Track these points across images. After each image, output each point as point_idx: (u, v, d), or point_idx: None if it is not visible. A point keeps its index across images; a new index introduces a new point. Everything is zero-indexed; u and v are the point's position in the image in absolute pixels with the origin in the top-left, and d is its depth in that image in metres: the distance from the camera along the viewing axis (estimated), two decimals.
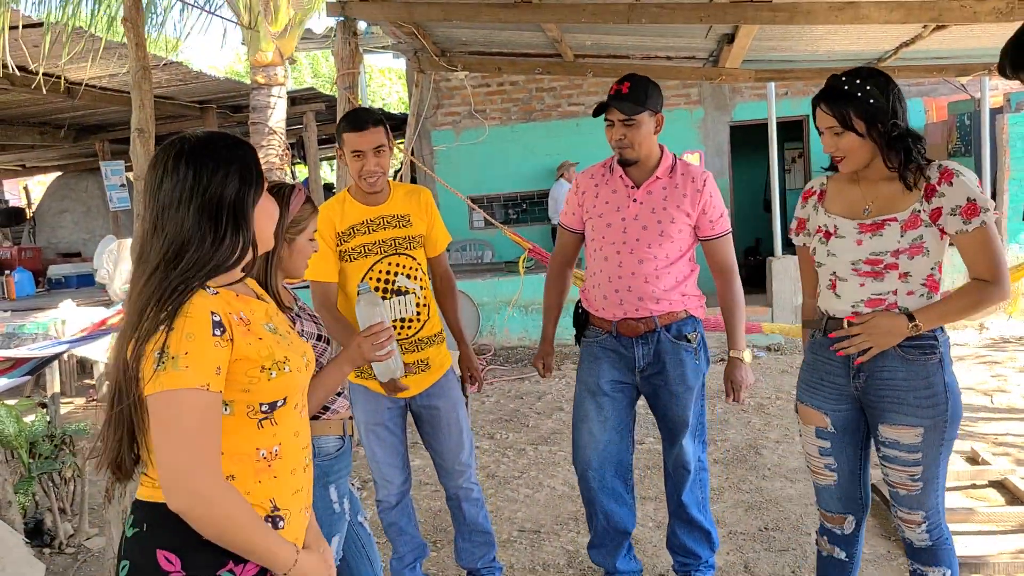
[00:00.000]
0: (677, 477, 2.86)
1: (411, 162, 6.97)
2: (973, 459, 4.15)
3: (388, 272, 2.76)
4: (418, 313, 2.80)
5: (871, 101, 2.09)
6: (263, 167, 5.16)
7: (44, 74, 5.10)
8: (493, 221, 6.95)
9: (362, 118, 2.73)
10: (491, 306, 7.91)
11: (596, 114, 2.73)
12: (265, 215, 1.50)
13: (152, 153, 3.22)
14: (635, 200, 2.74)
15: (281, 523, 1.46)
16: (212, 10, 6.63)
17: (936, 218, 2.10)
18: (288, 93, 7.55)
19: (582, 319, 2.90)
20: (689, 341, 2.76)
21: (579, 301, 2.94)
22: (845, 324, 2.20)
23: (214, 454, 1.33)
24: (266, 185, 1.52)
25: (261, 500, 1.43)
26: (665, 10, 4.35)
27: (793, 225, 2.40)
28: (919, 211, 2.11)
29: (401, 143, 7.33)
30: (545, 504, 4.04)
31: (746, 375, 2.77)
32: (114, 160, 8.97)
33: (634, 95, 2.65)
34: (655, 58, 6.34)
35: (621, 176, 2.77)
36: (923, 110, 9.64)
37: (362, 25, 7.56)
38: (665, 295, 2.73)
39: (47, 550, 3.81)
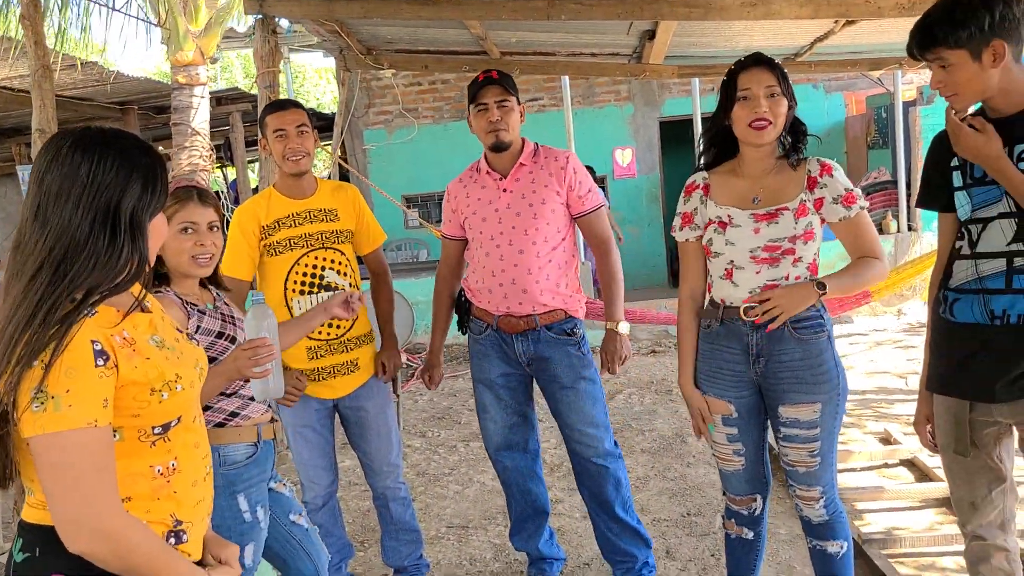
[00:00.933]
0: (592, 474, 2.87)
1: (340, 164, 6.93)
2: (886, 439, 4.31)
3: (315, 267, 2.73)
4: None
5: (787, 76, 2.22)
6: (186, 168, 5.04)
7: None
8: (424, 223, 6.95)
9: (282, 102, 2.82)
10: (426, 305, 7.77)
11: (471, 100, 2.76)
12: (158, 233, 1.40)
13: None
14: (504, 190, 2.79)
15: (184, 536, 1.41)
16: (122, 9, 6.46)
17: (819, 207, 2.23)
18: (213, 93, 7.42)
19: (464, 307, 2.94)
20: (570, 335, 2.80)
21: (462, 290, 2.98)
22: (741, 312, 2.27)
23: (110, 490, 1.25)
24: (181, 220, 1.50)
25: (162, 517, 1.38)
26: (584, 6, 4.40)
27: (676, 222, 2.42)
28: (805, 200, 2.23)
29: (329, 144, 7.26)
30: (474, 500, 4.06)
31: (621, 346, 2.81)
32: (31, 164, 8.63)
33: (504, 80, 2.74)
34: (581, 55, 6.41)
35: (488, 172, 2.82)
36: (843, 104, 9.92)
37: (285, 23, 7.49)
38: (547, 290, 2.75)
39: None
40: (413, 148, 9.68)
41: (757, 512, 2.48)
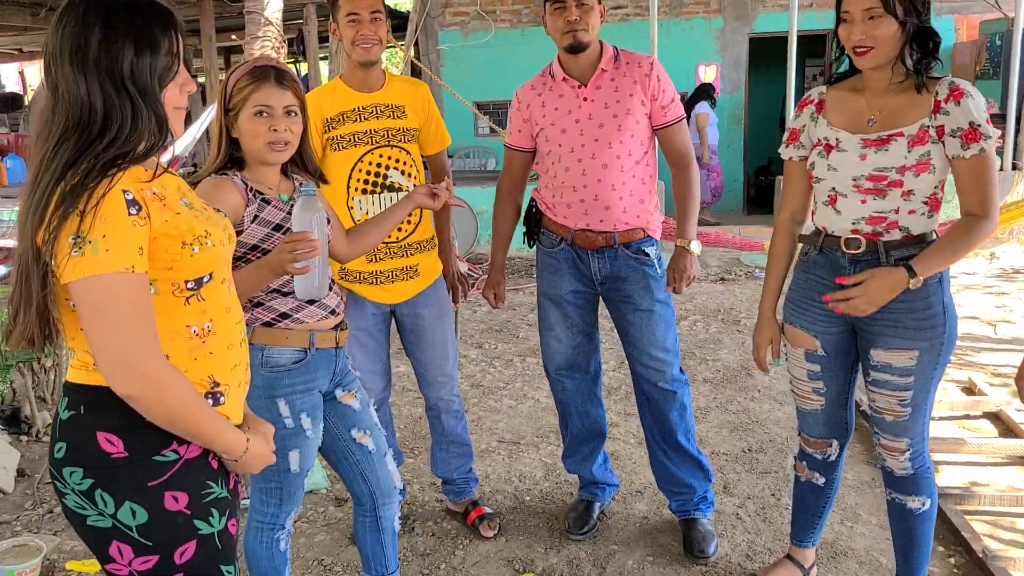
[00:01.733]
0: (657, 400, 2.73)
1: (412, 63, 6.71)
2: (969, 389, 4.06)
3: (379, 165, 2.59)
4: (410, 214, 2.65)
5: None
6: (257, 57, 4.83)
7: None
8: (497, 129, 6.72)
9: None
10: (491, 215, 7.74)
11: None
12: (172, 99, 1.38)
13: None
14: (585, 99, 2.58)
15: (222, 399, 1.44)
16: None
17: (941, 135, 1.95)
18: None
19: (536, 219, 2.77)
20: (647, 255, 2.64)
21: (533, 201, 2.79)
22: (842, 243, 2.07)
23: (151, 336, 1.28)
24: (179, 63, 1.37)
25: (200, 377, 1.40)
26: None
27: (785, 136, 2.23)
28: (927, 126, 1.96)
29: (403, 43, 7.03)
30: (527, 416, 3.99)
31: (690, 265, 2.63)
32: None
33: None
34: None
35: (564, 79, 2.60)
36: (953, 28, 9.21)
37: None
38: (631, 207, 2.59)
39: (24, 438, 3.78)
40: (488, 52, 9.37)
41: (832, 458, 2.33)
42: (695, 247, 2.63)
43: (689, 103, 8.66)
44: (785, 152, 2.23)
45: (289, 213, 1.94)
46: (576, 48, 2.53)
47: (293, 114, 1.95)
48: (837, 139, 2.06)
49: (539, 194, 2.75)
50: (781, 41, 7.98)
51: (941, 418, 3.72)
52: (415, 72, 7.41)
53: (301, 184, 1.96)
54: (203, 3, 7.89)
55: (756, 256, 6.81)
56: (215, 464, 1.44)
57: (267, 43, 6.00)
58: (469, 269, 6.85)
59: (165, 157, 1.46)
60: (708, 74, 9.56)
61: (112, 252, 1.23)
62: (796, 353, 2.25)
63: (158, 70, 1.33)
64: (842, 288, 2.02)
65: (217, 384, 1.43)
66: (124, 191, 1.26)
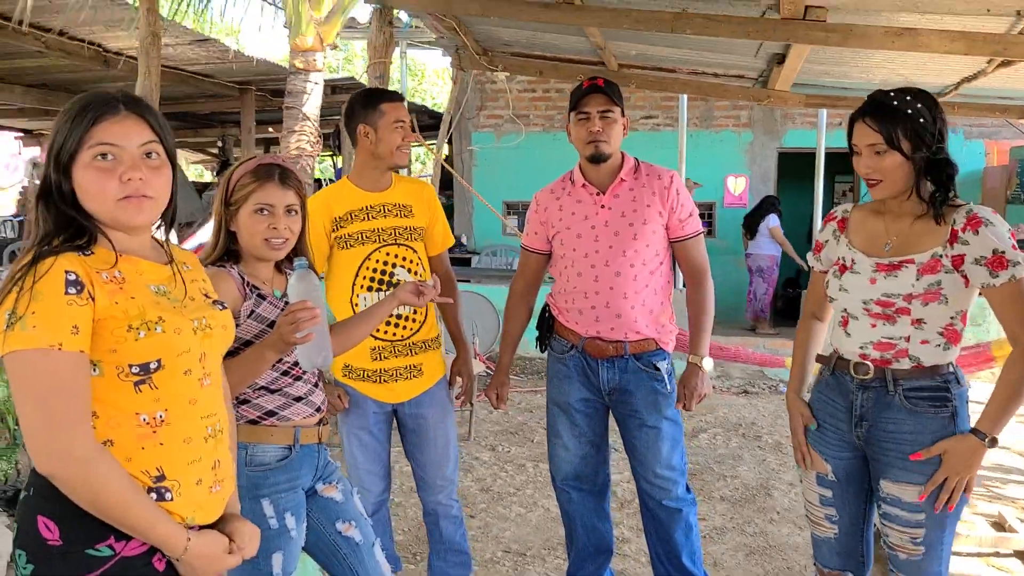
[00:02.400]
0: (662, 518, 2.65)
1: (442, 166, 6.84)
2: (999, 524, 3.87)
3: (385, 263, 2.60)
4: (415, 311, 2.64)
5: (920, 120, 1.91)
6: (292, 152, 4.97)
7: (82, 40, 5.06)
8: (518, 233, 6.79)
9: (396, 93, 2.71)
10: None
11: (572, 108, 2.60)
12: (80, 187, 1.36)
13: None
14: (603, 206, 2.60)
15: (168, 495, 1.38)
16: None
17: (958, 265, 1.92)
18: (328, 81, 7.46)
19: (548, 324, 2.75)
20: (657, 370, 2.59)
21: (546, 306, 2.78)
22: (851, 367, 2.04)
23: (79, 416, 1.28)
24: (101, 147, 1.34)
25: (146, 467, 1.36)
26: (712, 22, 4.15)
27: (813, 245, 2.26)
28: (940, 255, 1.93)
29: (434, 143, 7.19)
30: (536, 525, 3.86)
31: (701, 382, 2.58)
32: None
33: (609, 89, 2.56)
34: (702, 74, 6.13)
35: (584, 185, 2.64)
36: (984, 152, 9.27)
37: (404, 17, 7.49)
38: (642, 317, 2.57)
39: None
40: (520, 154, 9.57)
41: None
42: (707, 364, 2.59)
43: (756, 215, 8.74)
44: (811, 260, 2.26)
45: (283, 310, 1.94)
46: (597, 158, 2.57)
47: (294, 213, 1.97)
48: (852, 260, 2.05)
49: (552, 298, 2.75)
50: (809, 156, 8.08)
51: (967, 554, 3.54)
52: (445, 174, 7.56)
53: (295, 259, 1.94)
54: (245, 97, 8.20)
55: (780, 370, 6.69)
56: (160, 566, 1.38)
57: (303, 137, 6.17)
58: (487, 368, 6.79)
59: (191, 244, 1.49)
60: (737, 186, 9.66)
61: (39, 328, 1.24)
62: (809, 476, 2.19)
63: (55, 152, 1.35)
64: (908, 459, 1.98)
65: (163, 478, 1.38)
66: (68, 271, 1.27)
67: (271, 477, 1.93)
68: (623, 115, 2.62)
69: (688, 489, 2.68)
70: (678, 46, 5.10)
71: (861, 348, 2.03)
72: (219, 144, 13.97)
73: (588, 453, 2.73)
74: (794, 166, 9.99)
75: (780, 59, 5.05)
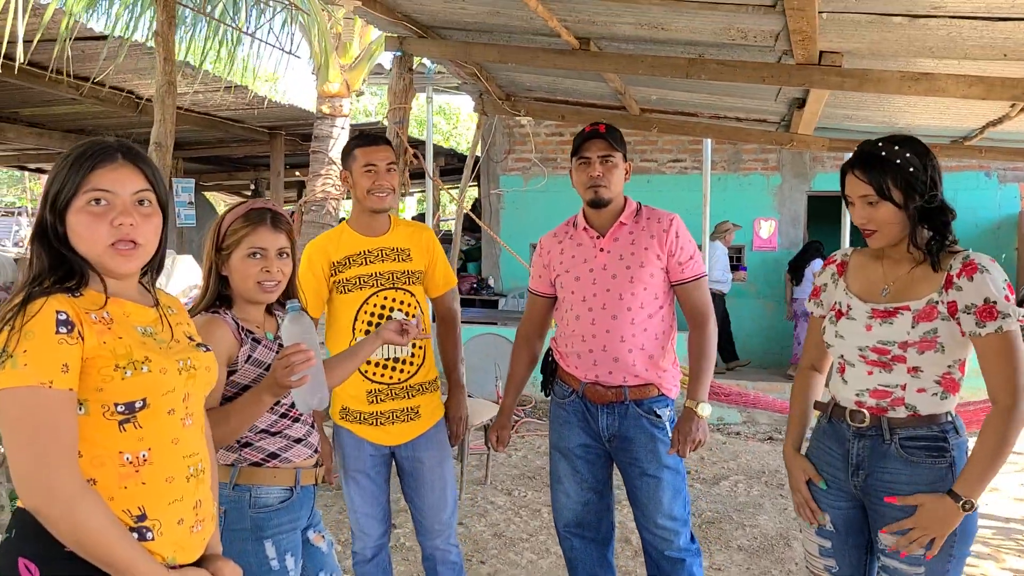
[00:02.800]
0: (665, 569, 2.60)
1: (468, 215, 6.88)
2: None
3: (383, 307, 2.62)
4: (412, 355, 2.65)
5: (911, 169, 1.90)
6: (318, 195, 5.10)
7: (114, 88, 5.24)
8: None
9: (373, 135, 2.74)
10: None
11: (574, 153, 2.62)
12: (73, 232, 1.41)
13: (168, 167, 3.26)
14: (602, 249, 2.60)
15: (150, 534, 1.40)
16: (269, 40, 6.72)
17: (953, 312, 1.88)
18: (355, 127, 7.62)
19: (551, 368, 2.74)
20: (658, 416, 2.55)
21: (549, 350, 2.78)
22: (847, 415, 2.00)
23: (66, 453, 1.30)
24: (95, 192, 1.39)
25: (127, 506, 1.38)
26: (727, 67, 4.15)
27: (811, 290, 2.23)
28: (936, 302, 1.90)
29: (454, 188, 7.27)
30: (547, 572, 3.80)
31: (697, 428, 2.52)
32: (187, 177, 9.23)
33: (610, 135, 2.58)
34: (724, 118, 6.14)
35: (585, 228, 2.66)
36: (1019, 196, 9.11)
37: (429, 63, 7.62)
38: (640, 361, 2.54)
39: None
40: (547, 197, 9.61)
41: None
42: (705, 409, 2.55)
43: (801, 260, 8.73)
44: (809, 306, 2.23)
45: (278, 352, 1.96)
46: (597, 203, 2.59)
47: (285, 255, 1.99)
48: (849, 306, 2.03)
49: (555, 343, 2.74)
50: (839, 200, 8.01)
51: None
52: (470, 221, 7.63)
53: (287, 302, 1.95)
54: (275, 141, 8.37)
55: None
56: None
57: (328, 180, 6.31)
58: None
59: (176, 289, 1.54)
60: (767, 229, 9.60)
61: (30, 367, 1.27)
62: (808, 527, 2.15)
63: (51, 197, 1.40)
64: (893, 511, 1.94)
65: (145, 517, 1.39)
66: (59, 311, 1.31)
67: (274, 518, 1.95)
68: (625, 160, 2.64)
69: (692, 539, 2.63)
70: (697, 91, 5.11)
71: (857, 395, 2.00)
72: (252, 187, 14.28)
73: (590, 500, 2.69)
74: (824, 209, 9.91)
75: (800, 103, 5.04)
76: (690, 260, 2.60)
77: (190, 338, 1.57)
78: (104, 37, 4.76)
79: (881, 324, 1.94)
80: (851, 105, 4.98)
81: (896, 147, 1.92)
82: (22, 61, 4.68)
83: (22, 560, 1.33)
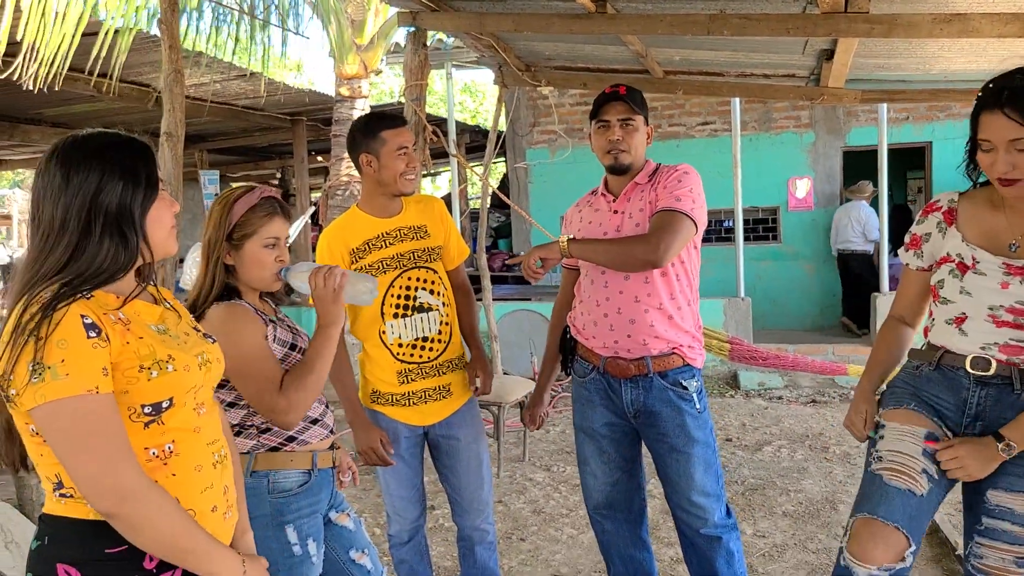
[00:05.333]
0: (701, 547, 2.51)
1: (495, 191, 6.80)
2: None
3: (409, 288, 2.57)
4: (440, 332, 2.60)
5: None
6: (343, 178, 5.08)
7: (133, 83, 5.24)
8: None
9: (392, 115, 2.63)
10: None
11: (593, 116, 2.52)
12: (156, 222, 1.42)
13: (180, 157, 3.23)
14: (615, 212, 2.50)
15: (193, 519, 1.39)
16: (274, 22, 6.62)
17: None
18: (374, 107, 7.57)
19: (569, 346, 2.65)
20: (685, 388, 2.45)
21: (567, 327, 2.68)
22: (967, 363, 1.85)
23: (124, 453, 1.29)
24: (160, 189, 1.42)
25: (170, 494, 1.37)
26: (750, 21, 4.02)
27: (907, 239, 2.03)
28: None
29: (478, 166, 7.20)
30: (588, 547, 3.75)
31: (540, 249, 2.41)
32: (211, 169, 9.26)
33: (632, 96, 2.46)
34: (751, 76, 5.96)
35: (603, 194, 2.57)
36: None
37: (447, 39, 7.53)
38: (658, 324, 2.43)
39: None
40: (575, 168, 9.49)
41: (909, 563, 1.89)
42: (563, 244, 2.37)
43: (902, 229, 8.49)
44: (904, 256, 2.05)
45: (290, 328, 2.00)
46: (616, 169, 2.50)
47: (287, 242, 2.02)
48: (974, 259, 1.84)
49: (571, 317, 2.66)
50: (875, 154, 7.77)
51: None
52: (496, 198, 7.55)
53: (282, 271, 1.96)
54: (297, 128, 8.35)
55: (851, 378, 6.43)
56: None
57: (351, 163, 6.25)
58: None
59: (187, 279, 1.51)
60: (802, 188, 9.38)
61: (72, 376, 1.24)
62: (912, 430, 1.90)
63: (140, 198, 1.38)
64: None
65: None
66: (82, 315, 1.28)
67: (294, 503, 1.94)
68: (647, 123, 2.53)
69: (728, 513, 2.54)
70: (721, 48, 4.97)
71: (982, 348, 1.83)
72: (278, 175, 14.33)
73: (619, 480, 2.61)
74: (860, 165, 9.64)
75: (829, 55, 4.87)
76: (670, 196, 2.37)
77: (196, 330, 1.56)
78: (117, 31, 4.74)
79: (1022, 282, 1.77)
80: (882, 53, 4.79)
81: None
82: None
83: (61, 566, 1.31)
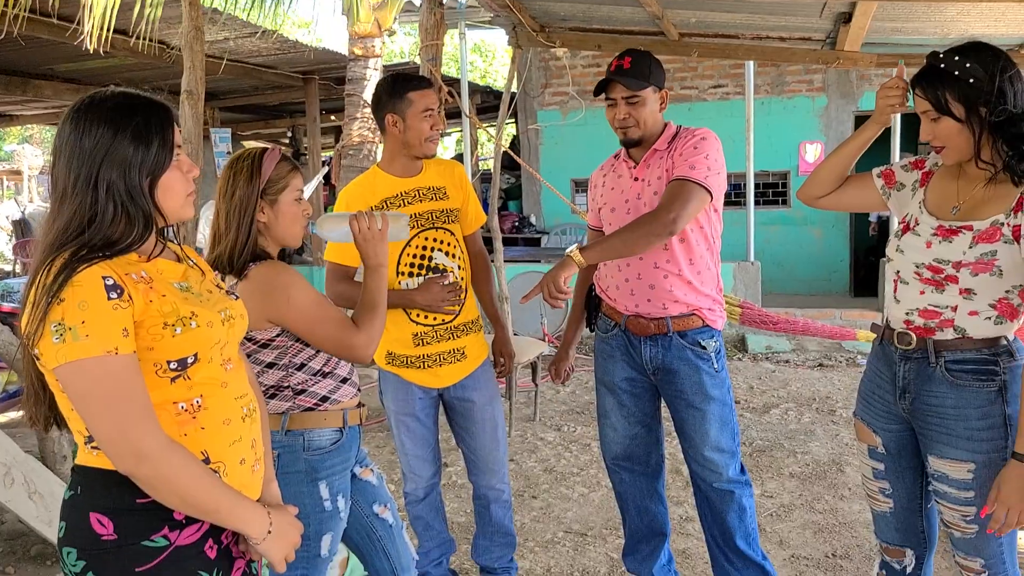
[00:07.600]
0: (714, 501, 2.58)
1: (507, 150, 6.77)
2: None
3: (424, 248, 2.60)
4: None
5: (970, 81, 1.77)
6: (355, 138, 5.05)
7: (144, 38, 5.19)
8: (580, 212, 6.70)
9: (419, 76, 2.65)
10: None
11: (597, 93, 2.53)
12: (169, 191, 1.42)
13: (200, 115, 3.24)
14: (636, 179, 2.53)
15: (217, 476, 1.42)
16: None
17: (1017, 236, 1.78)
18: (388, 67, 7.53)
19: (595, 303, 2.70)
20: (703, 348, 2.50)
21: (592, 285, 2.74)
22: (894, 337, 1.98)
23: (144, 413, 1.31)
24: (176, 151, 1.41)
25: (191, 453, 1.38)
26: None
27: (885, 168, 2.11)
28: (1001, 224, 1.80)
29: (491, 126, 7.17)
30: (598, 505, 3.83)
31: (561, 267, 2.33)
32: (223, 127, 9.22)
33: (636, 70, 2.44)
34: (767, 38, 5.91)
35: (624, 159, 2.59)
36: None
37: None
38: (678, 287, 2.47)
39: None
40: (586, 131, 9.45)
41: (909, 569, 2.14)
42: (575, 255, 2.36)
43: None
44: (874, 173, 2.13)
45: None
46: (627, 144, 2.54)
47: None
48: (917, 220, 1.95)
49: (597, 277, 2.70)
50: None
51: None
52: (509, 159, 7.53)
53: (309, 225, 2.04)
54: (309, 87, 8.30)
55: (858, 343, 6.47)
56: (212, 554, 1.41)
57: (364, 123, 6.25)
58: (555, 347, 6.77)
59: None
60: (813, 153, 9.33)
61: (92, 337, 1.26)
62: (861, 448, 2.14)
63: (149, 165, 1.37)
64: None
65: (208, 461, 1.41)
66: (104, 276, 1.29)
67: (327, 460, 1.99)
68: (660, 89, 2.51)
69: (742, 470, 2.60)
70: (738, 10, 4.93)
71: (907, 315, 1.95)
72: (289, 135, 14.27)
73: (638, 433, 2.68)
74: None
75: (847, 18, 4.82)
76: (684, 163, 2.37)
77: (218, 286, 1.57)
78: None
79: (941, 242, 1.87)
80: (900, 17, 4.75)
81: (957, 57, 1.80)
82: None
83: (94, 515, 1.34)
